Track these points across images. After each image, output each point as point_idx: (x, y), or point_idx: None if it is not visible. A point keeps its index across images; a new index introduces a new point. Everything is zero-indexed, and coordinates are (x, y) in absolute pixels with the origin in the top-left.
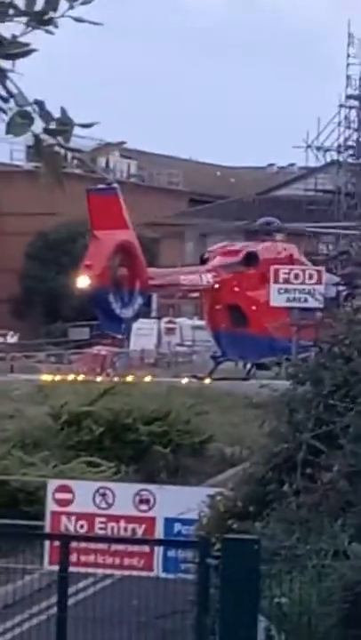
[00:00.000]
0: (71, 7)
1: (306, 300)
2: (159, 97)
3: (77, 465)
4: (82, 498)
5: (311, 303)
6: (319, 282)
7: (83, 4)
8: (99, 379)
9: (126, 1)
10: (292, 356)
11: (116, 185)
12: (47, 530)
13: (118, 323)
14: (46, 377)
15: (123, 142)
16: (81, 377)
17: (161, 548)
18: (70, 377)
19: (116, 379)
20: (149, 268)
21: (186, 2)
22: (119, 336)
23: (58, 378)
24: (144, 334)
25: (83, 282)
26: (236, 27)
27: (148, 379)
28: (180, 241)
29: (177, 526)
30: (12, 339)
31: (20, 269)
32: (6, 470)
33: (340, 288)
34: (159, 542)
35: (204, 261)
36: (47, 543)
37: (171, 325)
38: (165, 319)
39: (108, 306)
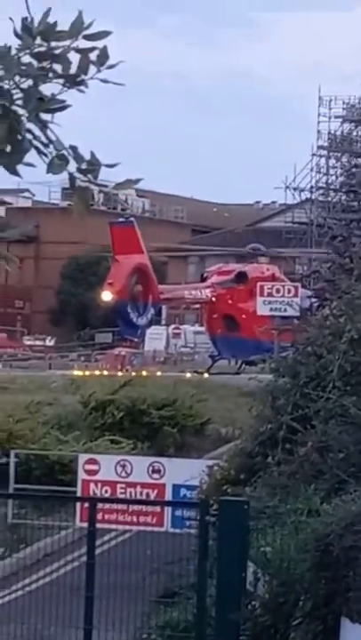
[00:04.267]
0: (99, 71)
1: (285, 310)
2: (168, 147)
3: (102, 442)
4: (106, 469)
5: (290, 312)
6: (296, 295)
7: (108, 68)
8: (119, 374)
9: (136, 67)
10: (275, 354)
11: (132, 219)
12: (78, 494)
13: (135, 329)
14: (77, 372)
15: (140, 179)
16: (105, 372)
17: (170, 509)
18: (97, 372)
19: (133, 373)
20: (160, 285)
21: (186, 68)
22: (136, 340)
23: (87, 373)
24: (156, 338)
25: (106, 296)
26: (229, 91)
27: (158, 373)
28: (184, 263)
29: (183, 491)
30: (50, 342)
31: (57, 287)
32: (45, 447)
33: (313, 300)
34: (168, 504)
35: (203, 279)
36: (78, 505)
37: (177, 331)
38: (173, 326)
39: (126, 315)
